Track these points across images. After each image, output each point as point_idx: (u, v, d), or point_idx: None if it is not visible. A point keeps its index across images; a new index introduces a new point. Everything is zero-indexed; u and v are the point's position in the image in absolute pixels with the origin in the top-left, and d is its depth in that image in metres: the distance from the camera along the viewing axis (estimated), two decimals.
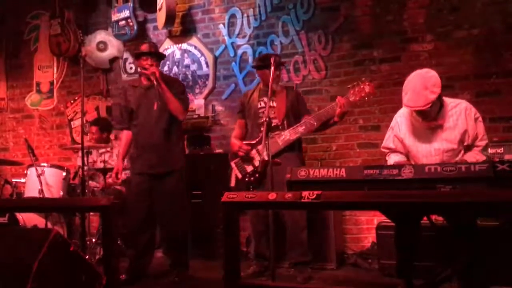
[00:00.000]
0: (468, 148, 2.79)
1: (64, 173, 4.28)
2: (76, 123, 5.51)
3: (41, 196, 4.01)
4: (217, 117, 4.91)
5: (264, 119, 3.11)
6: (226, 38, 4.90)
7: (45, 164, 4.32)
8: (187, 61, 5.07)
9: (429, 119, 2.78)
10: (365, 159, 4.30)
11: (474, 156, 2.74)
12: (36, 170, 4.08)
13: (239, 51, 4.85)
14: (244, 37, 4.83)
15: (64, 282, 2.18)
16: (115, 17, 5.11)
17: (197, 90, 4.99)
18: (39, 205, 2.94)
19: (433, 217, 2.79)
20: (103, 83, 5.43)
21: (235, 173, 3.60)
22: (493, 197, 1.76)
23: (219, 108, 4.93)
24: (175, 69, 5.09)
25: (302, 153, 3.75)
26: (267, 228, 3.47)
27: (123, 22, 5.06)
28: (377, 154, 4.06)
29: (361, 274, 3.69)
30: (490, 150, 3.32)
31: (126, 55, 5.34)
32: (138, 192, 3.55)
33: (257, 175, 3.42)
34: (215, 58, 4.95)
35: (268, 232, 3.50)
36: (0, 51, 5.87)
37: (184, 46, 5.09)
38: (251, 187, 3.46)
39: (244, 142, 3.61)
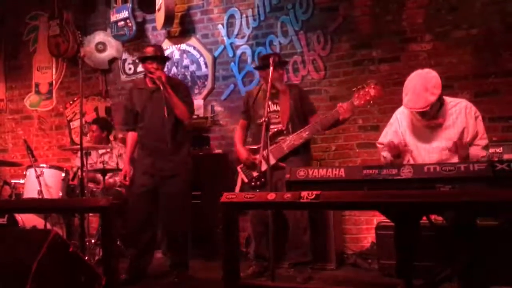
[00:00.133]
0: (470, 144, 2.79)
1: (63, 174, 4.28)
2: (75, 124, 5.50)
3: (40, 197, 4.01)
4: (216, 118, 4.91)
5: (263, 119, 3.11)
6: (225, 38, 4.90)
7: (44, 165, 4.32)
8: (186, 61, 5.07)
9: (429, 118, 2.78)
10: (364, 159, 4.30)
11: (476, 150, 2.72)
12: (35, 171, 4.08)
13: (238, 52, 4.84)
14: (243, 37, 4.83)
15: (63, 283, 2.18)
16: (114, 17, 5.11)
17: (196, 91, 4.99)
18: (38, 206, 2.95)
19: (433, 217, 2.80)
20: (102, 84, 5.42)
21: (241, 177, 3.61)
22: (492, 197, 1.76)
23: (218, 108, 4.93)
24: (174, 69, 5.09)
25: (309, 154, 3.70)
26: (267, 229, 3.47)
27: (122, 22, 5.06)
28: (376, 154, 4.06)
29: (361, 274, 3.69)
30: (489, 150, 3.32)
31: (125, 55, 5.33)
32: (141, 192, 3.54)
33: (262, 179, 3.42)
34: (214, 59, 4.95)
35: (268, 233, 3.51)
36: None
37: (183, 46, 5.09)
38: (257, 191, 3.47)
39: (249, 147, 3.62)
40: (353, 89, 3.31)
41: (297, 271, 3.50)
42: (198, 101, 4.93)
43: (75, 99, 5.50)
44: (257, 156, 3.44)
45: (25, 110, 5.80)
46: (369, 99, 3.24)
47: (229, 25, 4.89)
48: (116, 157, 4.66)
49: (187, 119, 3.61)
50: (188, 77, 5.03)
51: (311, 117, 3.60)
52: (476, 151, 2.70)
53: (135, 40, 5.21)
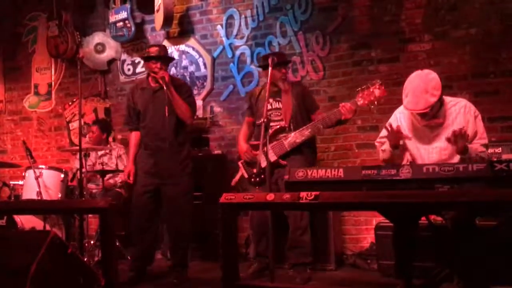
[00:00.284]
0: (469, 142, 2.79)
1: (62, 175, 4.28)
2: (74, 125, 5.49)
3: (39, 198, 4.00)
4: (215, 118, 4.90)
5: (263, 120, 3.11)
6: (224, 39, 4.90)
7: (43, 166, 4.32)
8: (185, 62, 5.07)
9: (429, 118, 2.78)
10: (363, 159, 4.30)
11: (475, 145, 2.72)
12: (34, 172, 4.08)
13: (237, 52, 4.84)
14: (242, 38, 4.83)
15: (62, 284, 2.18)
16: (112, 18, 5.11)
17: (195, 92, 4.97)
18: (37, 207, 2.95)
19: (432, 217, 2.79)
20: (101, 84, 5.42)
21: (242, 172, 3.63)
22: (491, 197, 1.76)
23: (217, 109, 4.93)
24: (173, 70, 5.08)
25: (313, 154, 3.67)
26: (268, 229, 3.48)
27: (121, 23, 5.06)
28: (375, 155, 4.05)
29: (360, 274, 3.68)
30: (488, 150, 3.32)
31: (124, 56, 5.33)
32: (143, 192, 3.55)
33: (262, 176, 3.42)
34: (213, 59, 4.95)
35: (276, 233, 3.52)
36: None
37: (182, 47, 5.09)
38: (256, 187, 3.47)
39: (251, 143, 3.63)
40: (357, 89, 3.28)
41: (297, 271, 3.49)
42: (197, 102, 4.91)
43: (74, 100, 5.49)
44: (258, 152, 3.44)
45: (24, 111, 5.80)
46: (373, 99, 3.21)
47: (228, 25, 4.89)
48: (115, 159, 4.66)
49: (189, 120, 3.62)
50: (187, 77, 5.03)
51: (313, 115, 3.59)
52: (475, 146, 2.71)
53: (134, 41, 5.21)
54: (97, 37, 5.39)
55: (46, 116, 5.70)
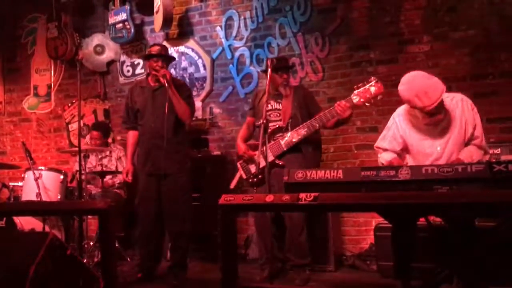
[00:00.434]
0: (468, 142, 2.80)
1: (62, 177, 4.27)
2: (74, 126, 5.50)
3: (38, 199, 4.00)
4: (214, 120, 4.91)
5: (262, 121, 3.11)
6: (223, 40, 4.91)
7: (43, 168, 4.32)
8: (184, 63, 5.07)
9: (431, 116, 2.78)
10: (362, 160, 4.30)
11: (469, 152, 2.74)
12: (34, 173, 4.08)
13: (236, 54, 4.85)
14: (241, 39, 4.84)
15: (62, 286, 2.18)
16: (112, 20, 5.12)
17: (194, 93, 4.97)
18: (36, 208, 2.93)
19: (431, 218, 2.79)
20: (100, 86, 5.42)
21: (240, 173, 3.63)
22: (490, 198, 1.76)
23: (216, 110, 4.93)
24: (172, 71, 5.08)
25: (315, 152, 3.63)
26: (275, 230, 3.52)
27: (120, 25, 5.07)
28: (374, 156, 4.06)
29: (360, 275, 3.69)
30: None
31: (123, 58, 5.33)
32: (147, 194, 3.57)
33: (260, 176, 3.42)
34: (213, 61, 4.95)
35: (276, 234, 3.52)
36: None
37: (181, 48, 5.09)
38: (255, 188, 3.47)
39: (249, 143, 3.65)
40: (354, 87, 3.24)
41: (296, 272, 3.50)
42: (196, 103, 4.89)
43: (74, 101, 5.49)
44: (256, 153, 3.44)
45: (24, 113, 5.80)
46: (370, 97, 3.14)
47: (227, 27, 4.89)
48: (115, 160, 4.66)
49: (187, 119, 3.64)
50: (187, 79, 5.03)
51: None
52: (468, 154, 2.72)
53: (134, 42, 5.22)
54: (97, 39, 5.39)
55: (45, 118, 5.70)
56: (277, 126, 3.51)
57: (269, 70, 3.30)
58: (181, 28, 5.11)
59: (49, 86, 5.69)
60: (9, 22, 5.84)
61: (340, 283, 3.49)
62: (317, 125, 3.38)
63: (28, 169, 4.21)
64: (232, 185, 3.69)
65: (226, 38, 4.89)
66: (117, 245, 4.04)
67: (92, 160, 4.64)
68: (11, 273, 2.05)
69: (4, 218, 4.03)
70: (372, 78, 3.20)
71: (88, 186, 4.30)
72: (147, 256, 3.60)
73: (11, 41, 5.84)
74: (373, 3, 4.35)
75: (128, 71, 5.31)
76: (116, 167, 4.58)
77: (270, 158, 3.42)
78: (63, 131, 5.59)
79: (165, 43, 5.13)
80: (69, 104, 5.57)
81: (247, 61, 4.80)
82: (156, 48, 3.68)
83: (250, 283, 3.34)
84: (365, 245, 4.14)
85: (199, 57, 5.01)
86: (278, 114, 3.55)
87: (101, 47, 5.37)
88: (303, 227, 3.49)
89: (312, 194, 1.88)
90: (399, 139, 2.92)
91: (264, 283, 3.33)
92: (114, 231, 3.59)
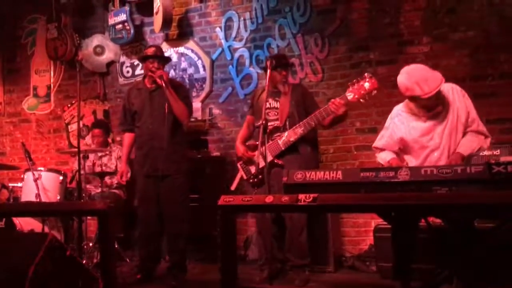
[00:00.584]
0: (465, 132, 2.82)
1: (61, 177, 4.27)
2: (73, 127, 5.50)
3: (38, 200, 4.00)
4: (214, 120, 4.91)
5: (261, 122, 3.11)
6: (223, 41, 4.91)
7: (42, 168, 4.32)
8: (184, 64, 5.08)
9: (429, 109, 2.79)
10: (362, 161, 4.30)
11: (468, 142, 2.75)
12: (33, 174, 4.07)
13: (236, 54, 4.85)
14: (241, 40, 4.84)
15: (61, 287, 2.18)
16: (112, 21, 5.12)
17: (194, 94, 4.99)
18: (35, 209, 2.93)
19: (431, 218, 2.80)
20: (100, 87, 5.42)
21: (241, 174, 3.63)
22: (489, 199, 1.76)
23: (216, 111, 4.93)
24: (172, 72, 5.09)
25: (313, 152, 3.61)
26: (276, 230, 3.52)
27: (120, 26, 5.07)
28: (374, 157, 4.05)
29: (359, 276, 3.69)
30: (486, 152, 3.33)
31: (123, 58, 5.34)
32: (146, 196, 3.58)
33: (260, 176, 3.42)
34: (212, 62, 4.95)
35: (277, 234, 3.52)
36: None
37: (181, 49, 5.10)
38: (255, 188, 3.48)
39: (248, 143, 3.65)
40: (348, 83, 3.24)
41: (295, 273, 3.49)
42: (196, 104, 4.93)
43: (73, 102, 5.49)
44: (255, 153, 3.44)
45: (23, 113, 5.80)
46: (364, 93, 3.13)
47: (227, 28, 4.90)
48: (115, 160, 4.66)
49: (185, 119, 3.65)
50: (186, 80, 5.04)
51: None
52: (467, 143, 2.73)
53: (133, 43, 5.22)
54: (96, 39, 5.39)
55: (45, 118, 5.69)
56: (275, 125, 3.51)
57: (268, 70, 3.30)
58: (181, 29, 5.11)
59: (48, 87, 5.69)
60: (9, 22, 5.84)
61: (340, 284, 3.49)
62: (313, 123, 3.36)
63: (28, 169, 4.21)
64: (233, 187, 3.69)
65: (226, 39, 4.89)
66: (116, 246, 4.03)
67: (92, 158, 4.64)
68: (11, 273, 2.05)
69: (4, 219, 4.03)
70: (366, 74, 3.19)
71: (88, 186, 4.30)
72: (147, 257, 3.61)
73: (11, 42, 5.84)
74: (372, 4, 4.35)
75: (128, 72, 5.32)
76: (116, 166, 4.58)
77: (269, 158, 3.42)
78: (63, 131, 5.59)
79: (164, 44, 5.14)
80: (69, 105, 5.57)
81: (247, 62, 4.80)
82: (152, 49, 3.69)
83: (250, 284, 3.34)
84: (364, 246, 4.14)
85: (199, 58, 5.01)
86: (276, 113, 3.56)
87: (100, 48, 5.37)
88: (303, 228, 3.49)
89: (312, 195, 1.88)
90: (396, 139, 2.92)
91: (263, 284, 3.32)
92: (114, 232, 3.59)
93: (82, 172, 3.82)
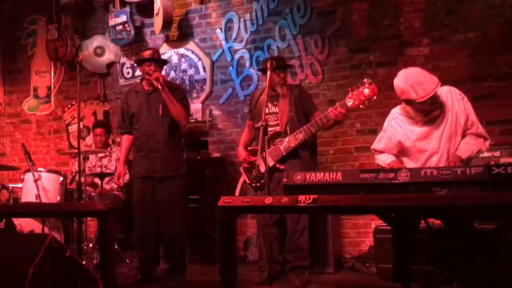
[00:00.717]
0: (464, 135, 2.81)
1: (61, 178, 4.27)
2: (74, 128, 5.49)
3: (38, 201, 4.00)
4: (214, 122, 4.91)
5: (261, 123, 3.11)
6: (223, 42, 4.91)
7: (42, 169, 4.32)
8: (184, 65, 5.08)
9: (426, 114, 2.78)
10: (362, 162, 4.30)
11: (467, 145, 2.75)
12: (33, 175, 4.07)
13: (236, 56, 4.85)
14: (241, 41, 4.84)
15: None
16: (112, 22, 5.12)
17: (194, 95, 4.99)
18: (35, 210, 2.94)
19: (430, 220, 2.80)
20: (100, 88, 5.43)
21: (244, 178, 3.64)
22: (489, 200, 1.76)
23: (216, 112, 4.93)
24: (172, 73, 5.10)
25: (311, 157, 3.60)
26: (278, 231, 3.50)
27: (120, 27, 5.07)
28: (374, 158, 4.05)
29: (359, 278, 3.69)
30: (486, 153, 3.33)
31: (123, 59, 5.34)
32: (142, 197, 3.58)
33: (262, 181, 3.42)
34: (212, 63, 4.96)
35: (278, 236, 3.51)
36: None
37: (181, 50, 5.10)
38: (258, 192, 3.48)
39: (250, 148, 3.65)
40: (348, 89, 3.24)
41: (295, 274, 3.49)
42: (196, 105, 4.94)
43: (74, 103, 5.49)
44: (257, 158, 3.44)
45: (23, 114, 5.80)
46: (364, 99, 3.12)
47: (227, 29, 4.90)
48: (115, 161, 4.66)
49: (183, 120, 3.65)
50: (187, 81, 5.04)
51: (312, 117, 3.58)
52: (467, 146, 2.73)
53: (134, 44, 5.22)
54: (97, 41, 5.40)
55: (45, 119, 5.70)
56: (276, 130, 3.51)
57: (268, 72, 3.30)
58: (181, 30, 5.12)
59: (49, 88, 5.69)
60: (9, 23, 5.85)
61: (340, 285, 3.49)
62: (314, 129, 3.38)
63: (28, 170, 4.21)
64: (237, 192, 3.69)
65: (226, 40, 4.90)
66: (116, 247, 4.03)
67: (92, 160, 4.64)
68: (10, 274, 2.05)
69: (4, 220, 4.03)
70: (366, 80, 3.17)
71: (87, 187, 4.30)
72: (146, 258, 3.61)
73: (11, 43, 5.84)
74: (372, 5, 4.36)
75: (128, 73, 5.32)
76: (116, 167, 4.58)
77: (271, 163, 3.42)
78: (63, 132, 5.60)
79: (165, 45, 5.15)
80: (69, 106, 5.57)
81: (247, 63, 4.80)
82: (148, 52, 3.72)
83: (250, 285, 3.34)
84: (364, 248, 4.14)
85: (199, 59, 5.02)
86: (275, 118, 3.55)
87: (101, 49, 5.37)
88: (304, 229, 3.49)
89: (311, 196, 1.88)
90: (394, 142, 2.92)
91: (263, 285, 3.33)
92: (113, 233, 3.58)
93: (82, 173, 3.83)
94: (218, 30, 4.94)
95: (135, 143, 3.68)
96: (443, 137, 2.79)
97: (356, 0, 4.41)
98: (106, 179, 4.45)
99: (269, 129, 3.45)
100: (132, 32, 5.04)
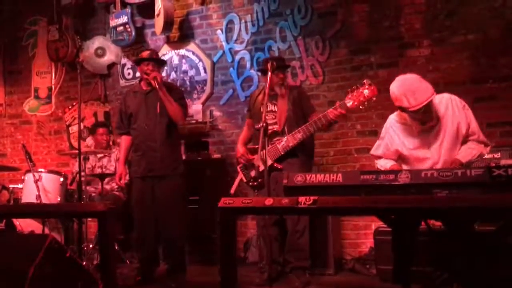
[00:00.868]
0: (465, 141, 2.79)
1: (62, 179, 4.27)
2: (74, 128, 5.49)
3: (38, 201, 4.00)
4: (215, 123, 4.91)
5: (261, 124, 3.11)
6: (224, 43, 4.92)
7: (43, 170, 4.32)
8: (185, 66, 5.08)
9: (423, 122, 2.77)
10: (363, 164, 4.30)
11: (468, 149, 2.74)
12: (34, 175, 4.08)
13: (237, 57, 4.86)
14: (242, 42, 4.85)
15: None
16: (113, 23, 5.13)
17: (195, 96, 5.00)
18: (36, 210, 2.94)
19: (431, 221, 2.79)
20: (101, 88, 5.43)
21: (241, 177, 3.63)
22: (489, 202, 1.76)
23: (217, 113, 4.93)
24: (173, 74, 5.10)
25: (308, 157, 3.61)
26: (279, 231, 3.51)
27: (121, 27, 5.08)
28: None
29: (359, 279, 3.69)
30: (487, 155, 3.32)
31: (124, 60, 5.34)
32: (141, 197, 3.58)
33: (260, 180, 3.42)
34: (213, 64, 4.96)
35: (278, 237, 3.51)
36: None
37: (182, 51, 5.10)
38: (255, 191, 3.47)
39: (248, 147, 3.65)
40: (348, 90, 3.23)
41: (296, 275, 3.49)
42: (197, 106, 4.94)
43: (74, 104, 5.49)
44: (255, 156, 3.45)
45: (24, 115, 5.80)
46: (363, 100, 3.11)
47: (228, 30, 4.90)
48: (115, 161, 4.66)
49: (180, 120, 3.66)
50: (187, 82, 5.04)
51: (310, 117, 3.58)
52: (467, 151, 2.72)
53: (134, 45, 5.22)
54: (98, 41, 5.40)
55: (46, 120, 5.70)
56: (274, 129, 3.51)
57: (269, 73, 3.30)
58: (182, 31, 5.12)
59: (49, 89, 5.70)
60: (10, 24, 5.85)
61: (340, 287, 3.49)
62: (312, 129, 3.37)
63: (28, 171, 4.21)
64: (232, 190, 3.69)
65: (227, 41, 4.90)
66: (116, 248, 4.03)
67: (92, 161, 4.64)
68: (10, 274, 2.05)
69: (4, 220, 4.03)
70: (365, 81, 3.16)
71: (88, 187, 4.30)
72: (146, 259, 3.61)
73: (12, 44, 5.85)
74: (373, 7, 4.36)
75: (129, 73, 5.32)
76: (115, 168, 4.58)
77: (269, 162, 3.42)
78: (64, 133, 5.60)
79: (165, 46, 5.15)
80: (70, 107, 5.58)
81: (248, 65, 4.80)
82: (146, 52, 3.76)
83: (250, 286, 3.34)
84: (364, 249, 4.14)
85: (200, 60, 5.02)
86: (273, 117, 3.56)
87: (102, 50, 5.38)
88: (304, 229, 3.49)
89: (312, 198, 1.88)
90: (392, 150, 2.91)
91: (263, 286, 3.33)
92: (114, 233, 3.58)
93: (82, 173, 3.83)
94: (219, 31, 4.95)
95: (134, 143, 3.69)
96: (443, 147, 2.76)
97: (356, 1, 4.42)
98: (106, 180, 4.45)
99: (268, 127, 3.45)
100: (133, 33, 5.05)
